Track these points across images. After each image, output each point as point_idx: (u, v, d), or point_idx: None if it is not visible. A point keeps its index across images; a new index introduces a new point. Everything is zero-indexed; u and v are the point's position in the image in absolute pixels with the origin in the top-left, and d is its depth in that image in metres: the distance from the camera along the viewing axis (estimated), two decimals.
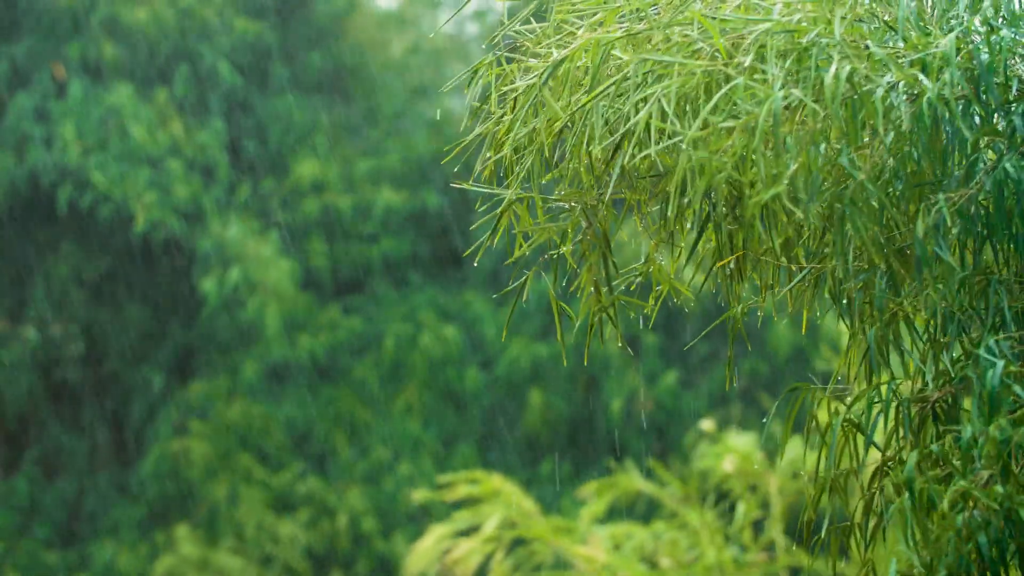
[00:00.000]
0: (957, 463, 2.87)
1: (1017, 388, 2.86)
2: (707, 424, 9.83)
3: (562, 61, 3.07)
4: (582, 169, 3.21)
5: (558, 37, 3.16)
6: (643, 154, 3.03)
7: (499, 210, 3.28)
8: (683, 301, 3.41)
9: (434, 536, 9.43)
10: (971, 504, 2.80)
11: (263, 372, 14.11)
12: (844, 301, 3.15)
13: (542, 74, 3.08)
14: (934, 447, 2.96)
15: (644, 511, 11.34)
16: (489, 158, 3.26)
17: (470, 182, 3.32)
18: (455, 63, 15.11)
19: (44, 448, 14.34)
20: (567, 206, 3.29)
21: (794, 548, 9.33)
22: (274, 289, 13.85)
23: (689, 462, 10.55)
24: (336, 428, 14.22)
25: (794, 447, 9.45)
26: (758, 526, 9.64)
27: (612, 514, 10.65)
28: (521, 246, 3.32)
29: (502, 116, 3.24)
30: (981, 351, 2.90)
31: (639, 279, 3.37)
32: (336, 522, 13.77)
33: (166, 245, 14.11)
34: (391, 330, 14.32)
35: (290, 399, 14.18)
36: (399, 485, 13.84)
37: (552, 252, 3.34)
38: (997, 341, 2.95)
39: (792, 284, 3.22)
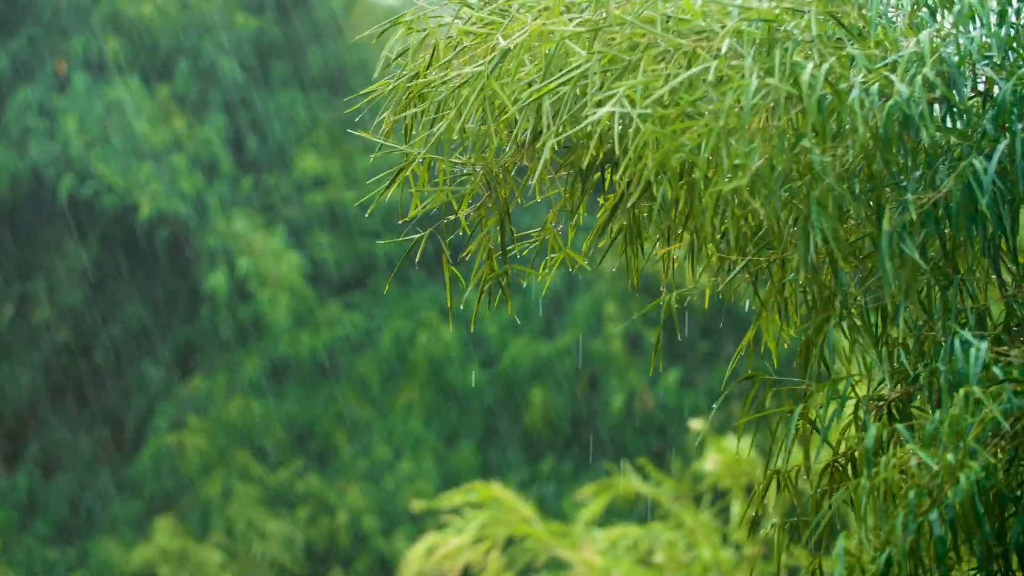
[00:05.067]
0: (919, 446, 2.81)
1: (996, 369, 2.81)
2: (697, 424, 9.78)
3: (508, 52, 3.01)
4: (491, 134, 3.14)
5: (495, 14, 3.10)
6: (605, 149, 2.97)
7: (399, 167, 3.24)
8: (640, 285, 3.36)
9: (428, 543, 9.44)
10: (925, 482, 2.75)
11: (264, 368, 14.07)
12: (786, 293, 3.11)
13: (489, 62, 3.01)
14: (899, 426, 2.90)
15: (644, 512, 11.29)
16: (396, 112, 3.20)
17: (376, 135, 3.27)
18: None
19: (44, 444, 14.32)
20: (467, 170, 3.24)
21: (791, 546, 9.27)
22: (283, 281, 13.82)
23: (688, 461, 10.50)
24: (337, 426, 14.18)
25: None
26: (755, 524, 9.57)
27: (610, 515, 10.61)
28: (417, 206, 3.28)
29: (414, 75, 3.19)
30: (957, 337, 2.85)
31: (535, 244, 3.34)
32: (336, 520, 13.74)
33: (169, 240, 14.08)
34: (392, 327, 14.28)
35: (290, 396, 14.15)
36: (399, 483, 13.80)
37: (449, 216, 3.30)
38: (970, 331, 2.91)
39: (733, 274, 3.16)
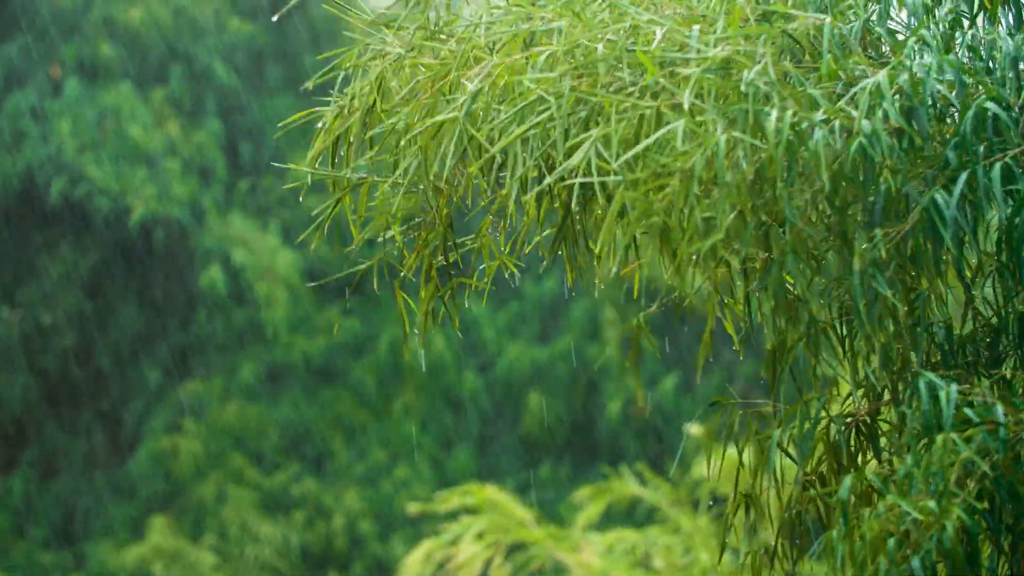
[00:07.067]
0: (892, 488, 2.80)
1: (968, 410, 2.79)
2: (695, 429, 9.77)
3: (478, 93, 3.01)
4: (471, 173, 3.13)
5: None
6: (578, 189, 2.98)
7: (336, 197, 3.24)
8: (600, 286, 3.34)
9: (425, 548, 9.43)
10: (903, 529, 2.73)
11: (260, 373, 14.05)
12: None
13: (461, 106, 3.00)
14: (871, 477, 2.89)
15: (643, 516, 11.27)
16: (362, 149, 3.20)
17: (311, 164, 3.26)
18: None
19: (41, 448, 14.29)
20: (407, 190, 3.22)
21: (790, 553, 9.25)
22: (281, 277, 13.81)
23: (687, 466, 10.50)
24: (333, 430, 14.16)
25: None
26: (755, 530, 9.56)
27: (608, 519, 10.59)
28: (363, 229, 3.27)
29: (368, 110, 3.18)
30: (922, 380, 2.84)
31: (470, 250, 3.32)
32: (332, 524, 13.72)
33: (164, 243, 14.06)
34: (389, 332, 14.26)
35: (287, 400, 14.12)
36: (396, 488, 13.78)
37: (394, 231, 3.27)
38: (938, 373, 2.91)
39: (697, 287, 3.15)
